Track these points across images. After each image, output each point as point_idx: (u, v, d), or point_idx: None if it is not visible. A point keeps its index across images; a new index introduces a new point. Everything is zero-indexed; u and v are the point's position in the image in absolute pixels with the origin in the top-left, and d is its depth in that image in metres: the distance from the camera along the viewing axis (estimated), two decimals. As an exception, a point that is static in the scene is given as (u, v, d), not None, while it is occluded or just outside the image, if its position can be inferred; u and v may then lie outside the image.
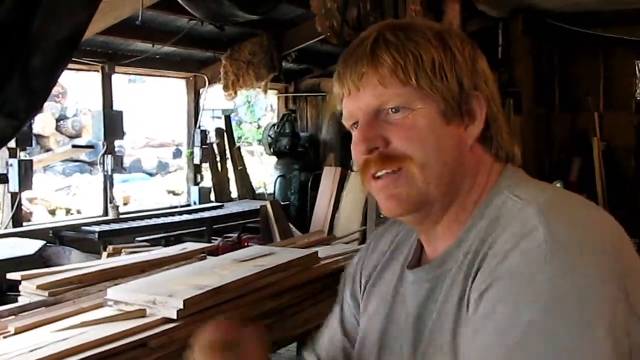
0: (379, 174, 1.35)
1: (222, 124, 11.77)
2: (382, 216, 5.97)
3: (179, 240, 8.37)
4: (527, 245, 1.18)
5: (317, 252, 4.59)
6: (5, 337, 3.06)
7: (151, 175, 18.95)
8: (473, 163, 1.36)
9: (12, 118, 3.12)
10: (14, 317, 3.35)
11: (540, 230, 1.18)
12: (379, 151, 1.33)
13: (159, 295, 3.30)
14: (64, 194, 14.86)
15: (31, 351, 2.75)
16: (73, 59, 8.15)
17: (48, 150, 16.01)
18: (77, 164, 17.59)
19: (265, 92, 11.06)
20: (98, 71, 9.18)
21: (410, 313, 1.41)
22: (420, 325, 1.38)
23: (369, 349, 1.52)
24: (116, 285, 3.75)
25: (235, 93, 10.21)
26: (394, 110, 1.32)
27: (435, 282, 1.37)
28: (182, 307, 3.21)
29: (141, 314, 3.24)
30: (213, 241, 8.67)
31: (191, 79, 10.85)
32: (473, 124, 1.35)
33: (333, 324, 1.73)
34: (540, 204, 1.24)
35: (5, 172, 7.70)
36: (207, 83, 10.59)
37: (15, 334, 3.07)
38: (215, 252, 5.67)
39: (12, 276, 4.01)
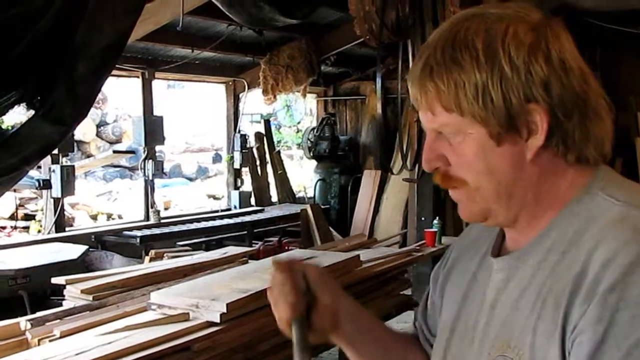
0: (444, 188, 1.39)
1: (260, 129, 11.80)
2: (423, 218, 5.92)
3: (219, 244, 8.40)
4: None
5: (358, 255, 4.58)
6: (51, 341, 3.08)
7: (191, 180, 19.04)
8: (535, 174, 1.31)
9: (59, 124, 3.16)
10: (59, 320, 3.37)
11: None
12: (440, 171, 1.36)
13: (202, 299, 3.30)
14: (105, 199, 14.96)
15: (76, 354, 2.77)
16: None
17: (89, 156, 16.14)
18: (117, 169, 17.72)
19: (304, 95, 11.07)
20: (138, 77, 9.25)
21: (484, 300, 1.41)
22: (492, 314, 1.37)
23: (441, 335, 1.54)
24: (159, 289, 3.76)
25: (274, 97, 10.23)
26: (450, 133, 1.33)
27: (510, 273, 1.36)
28: (225, 310, 3.22)
29: (184, 317, 3.25)
30: (253, 245, 8.68)
31: (230, 83, 10.89)
32: (534, 136, 1.29)
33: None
34: None
35: (48, 177, 7.78)
36: (246, 87, 10.62)
37: (61, 337, 3.09)
38: (256, 256, 5.68)
39: (56, 280, 4.04)
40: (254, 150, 11.13)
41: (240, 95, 10.87)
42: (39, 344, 3.11)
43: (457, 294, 1.52)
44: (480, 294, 1.43)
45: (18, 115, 3.28)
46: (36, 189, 8.41)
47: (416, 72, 1.33)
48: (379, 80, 7.90)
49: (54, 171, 7.76)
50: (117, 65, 8.35)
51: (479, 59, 1.27)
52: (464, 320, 1.46)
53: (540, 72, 1.27)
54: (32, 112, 3.19)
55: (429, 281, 1.74)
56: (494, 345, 1.33)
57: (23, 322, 3.27)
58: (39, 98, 3.15)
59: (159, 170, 9.34)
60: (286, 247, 8.58)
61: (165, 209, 13.16)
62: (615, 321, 1.13)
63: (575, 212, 1.29)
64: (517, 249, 1.38)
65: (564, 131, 1.29)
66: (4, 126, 3.20)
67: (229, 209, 10.60)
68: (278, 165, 11.56)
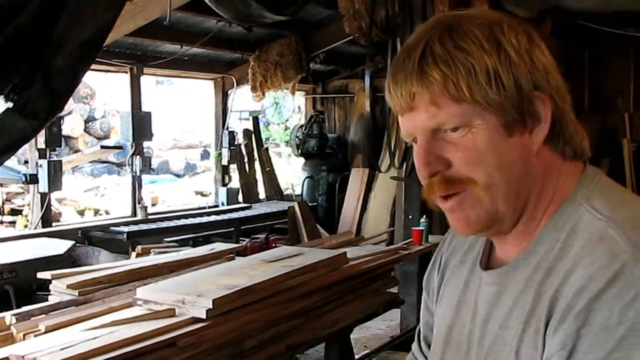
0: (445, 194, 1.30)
1: (249, 126, 11.80)
2: (410, 216, 5.88)
3: (206, 240, 8.39)
4: (616, 291, 1.12)
5: (345, 253, 4.58)
6: (36, 335, 3.07)
7: (178, 176, 19.02)
8: (540, 169, 1.29)
9: (32, 118, 3.13)
10: (44, 315, 3.37)
11: (633, 270, 1.12)
12: (441, 175, 1.27)
13: (188, 295, 3.30)
14: (92, 195, 14.94)
15: (62, 349, 2.76)
16: (102, 60, 8.25)
17: (76, 151, 16.09)
18: (105, 165, 17.69)
19: (293, 93, 11.09)
20: (126, 72, 9.23)
21: (477, 312, 1.38)
22: (485, 328, 1.35)
23: (437, 340, 1.51)
24: (145, 284, 3.76)
25: (263, 94, 10.24)
26: (451, 129, 1.25)
27: (501, 287, 1.33)
28: (211, 306, 3.21)
29: (170, 313, 3.25)
30: (241, 241, 8.69)
31: (219, 80, 10.88)
32: (538, 127, 1.26)
33: (421, 318, 1.71)
34: (626, 227, 1.18)
35: (35, 172, 7.76)
36: (235, 84, 10.62)
37: (46, 332, 3.08)
38: (243, 252, 5.67)
39: (42, 275, 4.03)
40: (242, 147, 11.13)
41: (229, 91, 10.86)
42: (24, 339, 3.10)
43: (452, 301, 1.49)
44: (472, 304, 1.41)
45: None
46: (23, 183, 8.38)
47: (412, 65, 1.25)
48: (367, 79, 7.89)
49: (41, 166, 7.74)
50: (105, 61, 8.40)
51: (484, 46, 1.23)
52: (458, 331, 1.44)
53: (541, 59, 1.26)
54: (8, 104, 3.16)
55: (417, 285, 1.71)
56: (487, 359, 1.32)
57: (8, 316, 3.26)
58: (17, 91, 3.13)
59: (147, 166, 9.32)
60: (273, 244, 8.59)
61: (153, 205, 13.14)
62: (576, 348, 1.13)
63: (560, 226, 1.27)
64: (507, 260, 1.35)
65: (562, 123, 1.28)
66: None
67: (217, 206, 10.59)
68: (266, 162, 11.56)
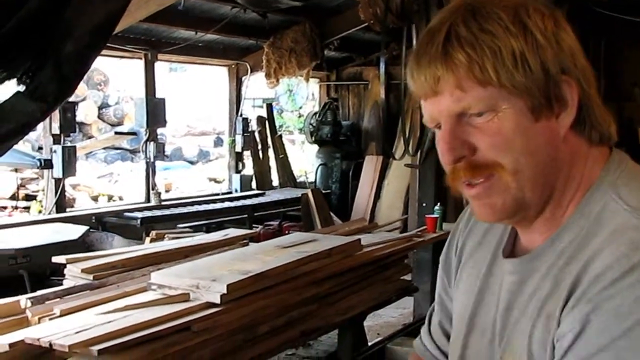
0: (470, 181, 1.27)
1: (262, 113, 11.79)
2: (424, 204, 5.87)
3: (220, 227, 8.40)
4: (632, 281, 1.10)
5: (359, 240, 4.58)
6: (51, 319, 3.08)
7: (192, 163, 19.04)
8: (567, 154, 1.25)
9: (42, 102, 3.13)
10: (59, 299, 3.37)
11: None
12: (466, 160, 1.24)
13: (203, 280, 3.30)
14: (106, 181, 14.96)
15: (76, 332, 2.76)
16: (116, 46, 8.26)
17: (90, 138, 16.13)
18: (119, 151, 17.72)
19: (307, 80, 11.04)
20: (141, 58, 9.24)
21: (499, 300, 1.36)
22: (506, 317, 1.33)
23: (458, 329, 1.49)
24: (159, 269, 3.76)
25: (277, 81, 10.22)
26: (477, 114, 1.22)
27: (524, 276, 1.31)
28: (225, 291, 3.21)
29: (184, 298, 3.25)
30: (254, 228, 8.69)
31: (233, 66, 10.87)
32: (565, 111, 1.23)
33: (437, 303, 1.68)
34: None
35: (49, 158, 7.78)
36: (249, 71, 10.61)
37: (61, 315, 3.09)
38: (256, 239, 5.67)
39: (57, 259, 4.04)
40: (256, 134, 11.13)
41: (243, 78, 10.85)
42: (39, 322, 3.11)
43: (472, 286, 1.46)
44: (496, 291, 1.39)
45: (8, 91, 3.25)
46: (38, 168, 8.40)
47: (436, 48, 1.22)
48: (382, 66, 7.87)
49: (55, 151, 7.76)
50: (120, 47, 8.41)
51: (509, 28, 1.20)
52: (482, 318, 1.41)
53: (567, 41, 1.24)
54: (19, 88, 3.16)
55: (431, 273, 1.70)
56: (505, 350, 1.31)
57: (23, 300, 3.27)
58: (30, 74, 3.12)
59: (161, 153, 9.33)
60: (286, 231, 8.58)
61: (166, 191, 13.17)
62: (584, 331, 1.12)
63: (586, 213, 1.24)
64: (531, 247, 1.33)
65: (588, 107, 1.26)
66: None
67: (230, 192, 10.60)
68: (280, 149, 11.55)
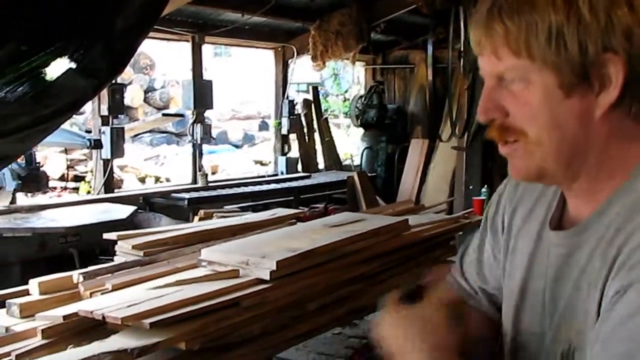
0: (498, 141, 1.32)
1: (307, 98, 11.79)
2: (471, 187, 5.89)
3: (266, 208, 8.39)
4: None
5: (407, 220, 4.56)
6: (102, 293, 3.12)
7: (237, 146, 19.14)
8: (603, 134, 1.25)
9: (93, 77, 3.15)
10: (110, 275, 3.41)
11: None
12: (497, 123, 1.29)
13: (252, 257, 3.31)
14: (152, 163, 15.11)
15: (128, 306, 2.79)
16: (164, 29, 8.31)
17: (136, 121, 16.29)
18: (164, 135, 17.88)
19: (354, 62, 10.99)
20: (188, 41, 9.28)
21: (548, 274, 1.37)
22: (557, 291, 1.34)
23: (511, 292, 1.50)
24: (209, 246, 3.78)
25: (324, 63, 10.20)
26: (512, 81, 1.26)
27: (573, 249, 1.31)
28: (274, 268, 3.22)
29: (234, 274, 3.26)
30: (300, 210, 8.69)
31: (279, 49, 10.87)
32: (606, 91, 1.21)
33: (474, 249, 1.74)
34: None
35: (99, 138, 7.87)
36: (295, 54, 10.60)
37: (112, 290, 3.12)
38: (303, 220, 5.68)
39: (108, 236, 4.08)
40: (302, 116, 11.14)
41: (289, 61, 10.86)
42: (90, 297, 3.15)
43: (524, 254, 1.47)
44: (545, 262, 1.39)
45: (60, 68, 3.29)
46: (87, 148, 8.51)
47: (482, 12, 1.26)
48: (430, 48, 7.85)
49: (104, 133, 7.85)
50: (167, 29, 8.45)
51: (555, 1, 1.19)
52: (533, 286, 1.42)
53: (623, 19, 1.19)
54: (71, 65, 3.19)
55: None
56: (556, 321, 1.33)
57: (76, 275, 3.31)
58: (81, 52, 3.15)
59: (207, 135, 9.37)
60: (332, 214, 8.58)
61: (213, 173, 13.27)
62: (625, 294, 1.14)
63: (632, 190, 1.24)
64: (578, 220, 1.33)
65: (638, 85, 1.22)
66: (47, 78, 3.20)
67: (276, 175, 10.64)
68: (325, 132, 11.55)
